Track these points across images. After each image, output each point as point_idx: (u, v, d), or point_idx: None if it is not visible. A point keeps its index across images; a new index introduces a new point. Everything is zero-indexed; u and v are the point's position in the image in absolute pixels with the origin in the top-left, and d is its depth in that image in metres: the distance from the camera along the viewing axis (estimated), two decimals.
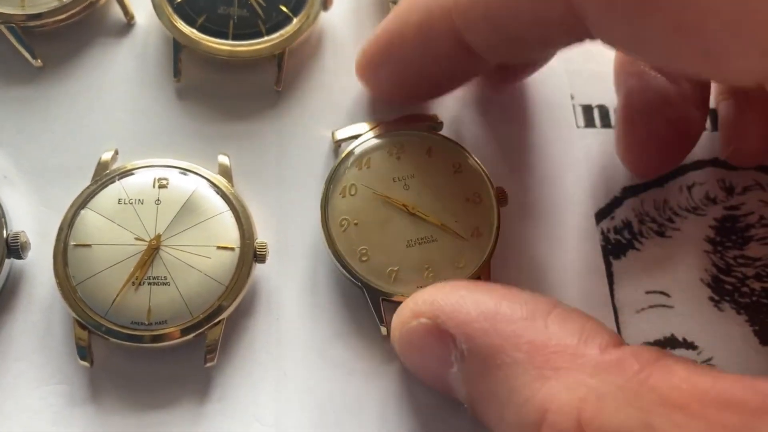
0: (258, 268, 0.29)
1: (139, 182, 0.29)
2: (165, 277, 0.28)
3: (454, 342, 0.23)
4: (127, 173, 0.29)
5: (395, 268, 0.28)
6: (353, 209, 0.29)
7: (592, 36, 0.23)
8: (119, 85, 0.33)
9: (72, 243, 0.28)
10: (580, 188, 0.33)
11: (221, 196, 0.29)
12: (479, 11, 0.25)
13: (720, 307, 0.32)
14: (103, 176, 0.29)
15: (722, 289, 0.32)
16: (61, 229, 0.28)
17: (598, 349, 0.22)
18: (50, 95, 0.32)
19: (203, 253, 0.28)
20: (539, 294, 0.24)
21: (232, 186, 0.30)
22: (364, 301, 0.29)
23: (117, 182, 0.29)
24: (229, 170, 0.30)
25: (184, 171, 0.30)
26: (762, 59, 0.19)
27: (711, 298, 0.32)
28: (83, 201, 0.29)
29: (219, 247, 0.28)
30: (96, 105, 0.33)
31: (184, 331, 0.27)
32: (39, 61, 0.32)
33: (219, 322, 0.28)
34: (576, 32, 0.23)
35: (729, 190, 0.34)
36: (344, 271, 0.29)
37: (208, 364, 0.28)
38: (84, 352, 0.27)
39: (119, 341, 0.27)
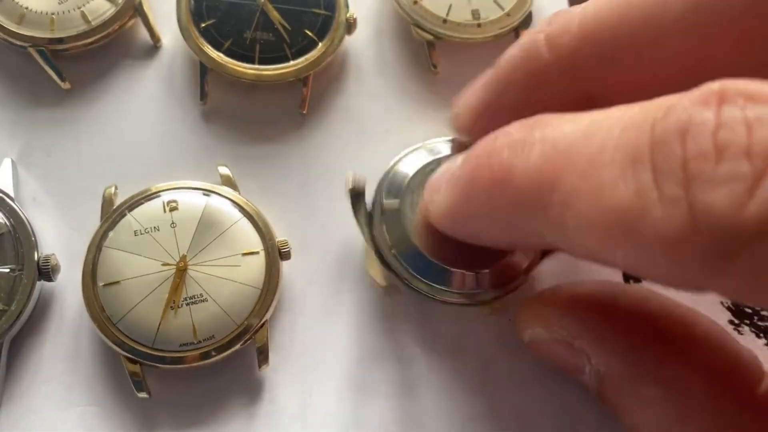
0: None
1: (149, 210, 0.29)
2: (201, 295, 0.28)
3: (589, 360, 0.25)
4: (134, 204, 0.30)
5: None
6: None
7: None
8: (146, 107, 0.33)
9: (101, 284, 0.28)
10: None
11: (233, 205, 0.30)
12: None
13: (740, 330, 0.32)
14: (112, 213, 0.29)
15: (742, 312, 0.32)
16: (84, 273, 0.28)
17: (742, 392, 0.23)
18: (78, 117, 0.33)
19: (231, 263, 0.29)
20: (682, 307, 0.26)
21: (240, 193, 0.30)
22: (388, 325, 0.30)
23: (127, 215, 0.29)
24: (231, 179, 0.31)
25: (190, 190, 0.30)
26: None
27: (731, 322, 0.32)
28: (99, 241, 0.29)
29: (244, 254, 0.29)
30: (123, 127, 0.33)
31: (234, 340, 0.28)
32: (67, 83, 0.33)
33: (263, 324, 0.28)
34: None
35: None
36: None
37: (263, 366, 0.29)
38: (140, 385, 0.28)
39: (173, 366, 0.28)
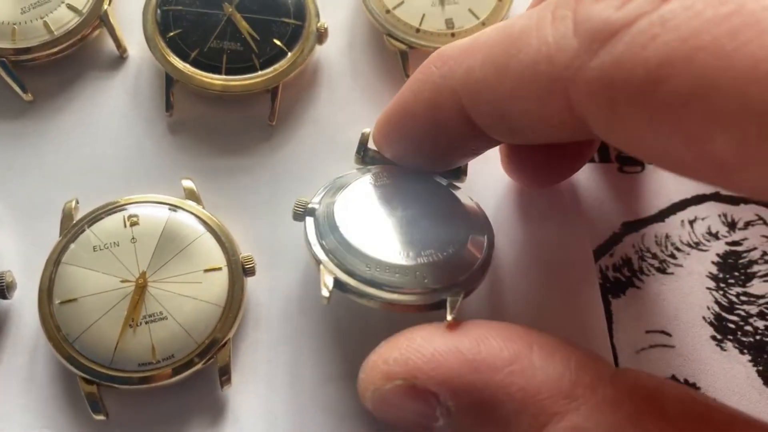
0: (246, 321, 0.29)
1: (110, 225, 0.29)
2: (161, 312, 0.27)
3: (437, 398, 0.22)
4: (94, 219, 0.29)
5: None
6: None
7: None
8: (111, 120, 0.33)
9: (57, 301, 0.27)
10: (577, 224, 0.32)
11: (195, 220, 0.29)
12: (484, 100, 0.23)
13: (722, 346, 0.31)
14: (71, 227, 0.29)
15: (725, 327, 0.31)
16: (41, 290, 0.27)
17: (590, 387, 0.21)
18: (41, 130, 0.32)
19: (192, 280, 0.28)
20: (513, 325, 0.23)
21: (203, 207, 0.30)
22: (357, 342, 0.28)
23: (87, 230, 0.28)
24: (195, 193, 0.30)
25: (151, 204, 0.29)
26: None
27: (713, 337, 0.31)
28: (57, 257, 0.28)
29: (206, 270, 0.28)
30: (87, 140, 0.32)
31: (195, 360, 0.27)
32: (30, 95, 0.32)
33: (225, 343, 0.27)
34: (581, 133, 0.22)
35: (731, 224, 0.34)
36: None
37: (226, 386, 0.27)
38: (97, 406, 0.27)
39: (131, 386, 0.27)
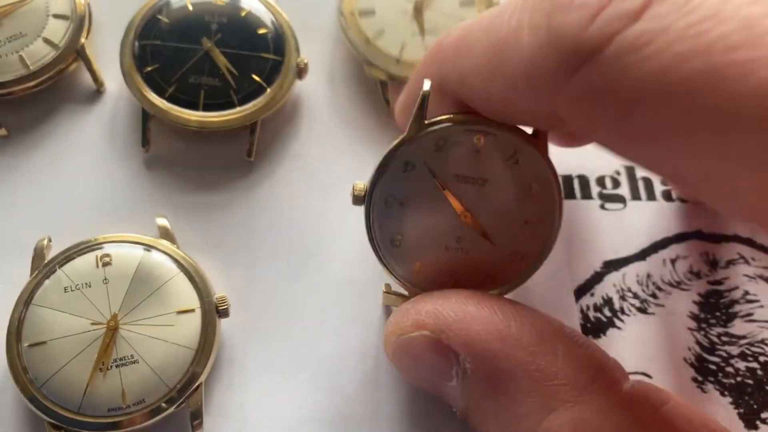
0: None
1: (82, 265, 0.28)
2: (132, 356, 0.27)
3: (456, 358, 0.23)
4: (66, 259, 0.28)
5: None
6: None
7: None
8: (86, 155, 0.32)
9: (25, 344, 0.27)
10: (558, 263, 0.32)
11: (169, 260, 0.29)
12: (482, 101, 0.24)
13: (704, 388, 0.31)
14: (43, 267, 0.28)
15: (706, 369, 0.31)
16: (9, 332, 0.27)
17: (607, 386, 0.21)
18: (14, 165, 0.32)
19: (165, 322, 0.27)
20: (545, 314, 0.24)
21: (177, 247, 0.29)
22: (332, 384, 0.28)
23: (58, 271, 0.28)
24: (170, 232, 0.30)
25: (124, 243, 0.29)
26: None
27: (694, 379, 0.31)
28: (27, 298, 0.27)
29: (179, 312, 0.28)
30: (62, 175, 0.32)
31: (165, 406, 0.26)
32: (4, 129, 0.32)
33: (198, 387, 0.27)
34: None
35: (713, 263, 0.33)
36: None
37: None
38: None
39: None
